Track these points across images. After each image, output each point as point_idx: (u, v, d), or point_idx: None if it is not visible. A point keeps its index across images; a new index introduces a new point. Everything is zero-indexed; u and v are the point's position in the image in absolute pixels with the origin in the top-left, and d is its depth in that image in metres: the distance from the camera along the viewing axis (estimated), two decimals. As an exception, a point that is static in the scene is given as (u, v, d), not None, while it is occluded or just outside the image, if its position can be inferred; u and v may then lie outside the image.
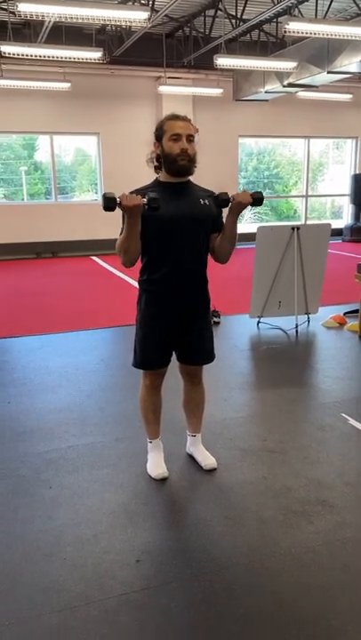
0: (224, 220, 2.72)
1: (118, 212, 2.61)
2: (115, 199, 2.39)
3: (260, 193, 2.63)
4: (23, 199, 12.12)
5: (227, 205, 2.60)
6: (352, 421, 3.52)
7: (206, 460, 2.98)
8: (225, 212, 2.69)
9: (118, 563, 2.26)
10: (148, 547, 2.36)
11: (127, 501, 2.70)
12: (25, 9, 5.77)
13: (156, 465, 2.92)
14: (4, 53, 7.53)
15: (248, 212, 14.89)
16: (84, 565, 2.25)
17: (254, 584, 2.15)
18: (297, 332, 5.51)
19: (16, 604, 2.06)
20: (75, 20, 6.23)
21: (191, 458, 3.07)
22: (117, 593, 2.10)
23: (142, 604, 2.05)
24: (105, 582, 2.15)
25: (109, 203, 2.38)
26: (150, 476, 2.89)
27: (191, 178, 2.69)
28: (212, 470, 2.94)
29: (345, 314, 5.96)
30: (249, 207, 2.64)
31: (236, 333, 5.65)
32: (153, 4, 7.92)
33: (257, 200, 2.60)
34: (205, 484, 2.86)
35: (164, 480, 2.86)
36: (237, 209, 2.62)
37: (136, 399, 2.95)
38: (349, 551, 2.32)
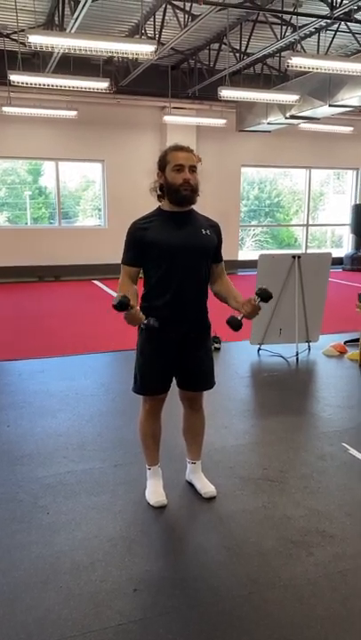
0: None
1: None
2: (124, 307, 2.43)
3: (265, 291, 2.59)
4: (27, 223, 12.25)
5: (240, 328, 2.62)
6: (352, 451, 3.50)
7: (206, 487, 2.96)
8: None
9: (115, 592, 2.23)
10: (145, 575, 2.33)
11: (125, 529, 2.67)
12: (35, 40, 5.92)
13: (154, 492, 2.90)
14: (14, 82, 7.70)
15: (249, 240, 15.04)
16: (80, 594, 2.22)
17: (253, 616, 2.11)
18: (297, 359, 5.52)
19: (11, 632, 2.02)
20: (83, 52, 6.39)
21: (190, 485, 3.04)
22: (114, 623, 2.07)
23: (139, 635, 2.02)
24: (102, 612, 2.12)
25: (119, 308, 2.44)
26: (149, 504, 2.87)
27: (194, 205, 2.73)
28: (211, 498, 2.92)
29: (345, 342, 5.97)
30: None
31: (237, 360, 5.65)
32: (160, 38, 8.13)
33: (265, 300, 2.60)
34: (204, 512, 2.83)
35: (162, 508, 2.84)
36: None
37: (135, 425, 2.94)
38: (349, 584, 2.29)
